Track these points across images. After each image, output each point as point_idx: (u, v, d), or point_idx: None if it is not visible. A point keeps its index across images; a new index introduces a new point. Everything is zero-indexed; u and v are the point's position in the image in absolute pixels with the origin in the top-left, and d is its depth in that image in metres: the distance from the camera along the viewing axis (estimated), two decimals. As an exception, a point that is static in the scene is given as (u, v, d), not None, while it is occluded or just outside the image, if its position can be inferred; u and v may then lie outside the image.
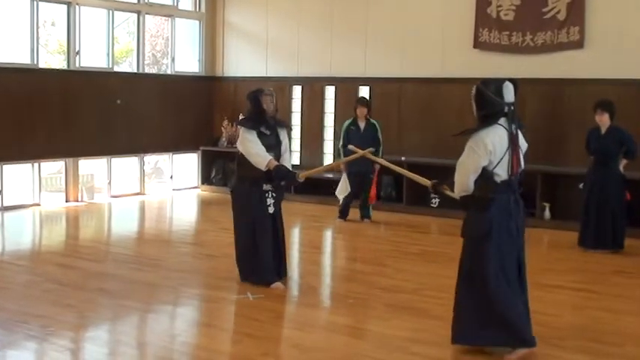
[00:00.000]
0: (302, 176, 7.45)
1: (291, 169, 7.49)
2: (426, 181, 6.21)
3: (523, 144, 5.66)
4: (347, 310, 6.73)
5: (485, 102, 5.53)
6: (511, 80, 5.61)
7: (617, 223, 9.32)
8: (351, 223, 11.23)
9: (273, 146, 7.39)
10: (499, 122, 5.45)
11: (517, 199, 5.59)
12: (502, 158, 5.41)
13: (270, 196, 7.39)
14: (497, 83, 5.57)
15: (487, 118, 5.50)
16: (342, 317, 6.54)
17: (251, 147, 7.24)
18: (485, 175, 5.42)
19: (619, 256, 9.23)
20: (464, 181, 5.47)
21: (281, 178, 7.31)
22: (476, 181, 5.46)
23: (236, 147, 7.50)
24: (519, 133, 5.58)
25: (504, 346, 5.57)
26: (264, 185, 7.35)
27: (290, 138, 8.88)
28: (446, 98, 12.34)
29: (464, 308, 5.62)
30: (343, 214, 11.33)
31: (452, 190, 5.75)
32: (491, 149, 5.37)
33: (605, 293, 7.63)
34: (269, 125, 7.41)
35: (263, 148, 7.24)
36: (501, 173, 5.44)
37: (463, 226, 5.63)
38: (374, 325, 6.37)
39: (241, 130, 7.39)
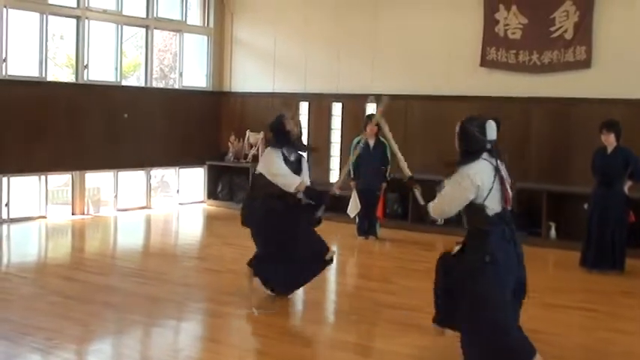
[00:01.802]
0: (337, 188, 7.54)
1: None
2: (407, 173, 6.46)
3: (507, 177, 5.74)
4: (352, 327, 6.72)
5: (468, 138, 5.71)
6: (494, 119, 5.85)
7: (618, 244, 9.30)
8: (357, 240, 11.23)
9: (296, 172, 7.38)
10: (482, 157, 5.62)
11: (512, 230, 5.61)
12: (490, 191, 5.51)
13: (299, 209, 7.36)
14: (481, 121, 5.78)
15: (469, 154, 5.67)
16: (346, 334, 6.53)
17: (281, 167, 7.22)
18: (477, 209, 5.52)
19: (625, 276, 9.19)
20: (446, 210, 5.69)
21: (313, 198, 7.31)
22: (470, 216, 5.60)
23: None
24: (503, 166, 5.71)
25: None
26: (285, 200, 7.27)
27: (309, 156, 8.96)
28: (452, 116, 12.12)
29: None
30: (362, 231, 11.33)
31: (423, 197, 6.06)
32: (478, 183, 5.49)
33: (611, 314, 7.61)
34: (294, 149, 7.43)
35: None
36: (493, 206, 5.51)
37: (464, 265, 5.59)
38: (378, 342, 6.36)
39: (270, 151, 7.40)
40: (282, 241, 7.25)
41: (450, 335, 6.48)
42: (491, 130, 5.75)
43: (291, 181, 7.15)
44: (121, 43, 13.34)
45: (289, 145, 7.37)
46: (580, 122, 11.24)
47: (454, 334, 5.71)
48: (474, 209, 5.52)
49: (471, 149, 5.68)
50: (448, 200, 5.64)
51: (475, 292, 5.48)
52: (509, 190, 5.63)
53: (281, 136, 7.37)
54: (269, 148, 7.42)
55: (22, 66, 12.11)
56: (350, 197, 11.19)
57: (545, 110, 11.65)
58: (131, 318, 6.88)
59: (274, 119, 7.44)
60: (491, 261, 5.43)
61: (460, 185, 5.56)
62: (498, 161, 5.67)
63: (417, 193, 6.14)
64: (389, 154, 11.12)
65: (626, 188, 9.35)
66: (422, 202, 5.93)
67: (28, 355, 5.82)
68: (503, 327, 5.46)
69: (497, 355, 5.46)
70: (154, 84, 14.33)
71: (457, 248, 5.74)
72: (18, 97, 11.80)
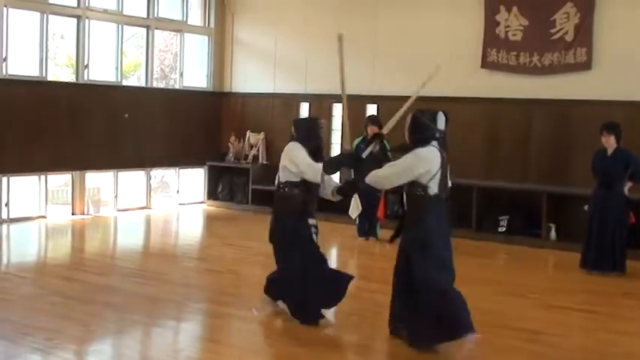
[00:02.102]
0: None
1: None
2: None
3: (448, 169, 6.43)
4: (351, 328, 6.71)
5: (420, 127, 6.25)
6: (443, 112, 6.44)
7: (618, 246, 9.30)
8: (357, 241, 11.23)
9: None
10: (432, 144, 6.21)
11: (446, 217, 6.36)
12: (435, 175, 6.13)
13: (315, 231, 6.94)
14: (432, 112, 6.36)
15: (421, 141, 6.22)
16: (347, 334, 6.53)
17: (307, 157, 6.74)
18: (422, 188, 6.14)
19: (625, 278, 9.19)
20: (391, 180, 6.31)
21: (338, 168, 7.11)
22: (411, 196, 6.25)
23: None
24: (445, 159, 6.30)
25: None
26: (310, 220, 6.89)
27: None
28: (453, 117, 12.21)
29: (415, 312, 6.08)
30: (362, 232, 11.33)
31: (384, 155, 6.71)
32: (427, 166, 6.11)
33: (611, 315, 7.61)
34: (312, 155, 6.99)
35: None
36: (434, 188, 6.14)
37: (407, 238, 6.29)
38: (379, 343, 6.35)
39: (294, 145, 6.90)
40: (307, 261, 6.86)
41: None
42: (441, 121, 6.32)
43: (317, 168, 6.64)
44: (122, 43, 13.33)
45: (313, 148, 6.94)
46: (580, 124, 11.23)
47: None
48: (419, 187, 6.14)
49: (422, 137, 6.22)
50: (397, 171, 6.20)
51: (416, 270, 6.06)
52: (448, 180, 6.37)
53: (311, 137, 6.98)
54: (293, 142, 6.91)
55: (22, 65, 12.11)
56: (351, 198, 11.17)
57: (545, 112, 11.65)
58: (131, 318, 6.88)
59: (309, 119, 7.28)
60: (429, 242, 6.10)
61: (411, 161, 6.15)
62: (444, 152, 6.26)
63: (376, 147, 6.70)
64: (389, 155, 11.09)
65: (626, 190, 9.36)
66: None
67: (28, 355, 5.82)
68: (448, 298, 6.04)
69: (442, 328, 5.94)
70: (155, 84, 14.32)
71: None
72: (18, 96, 11.79)
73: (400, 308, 6.23)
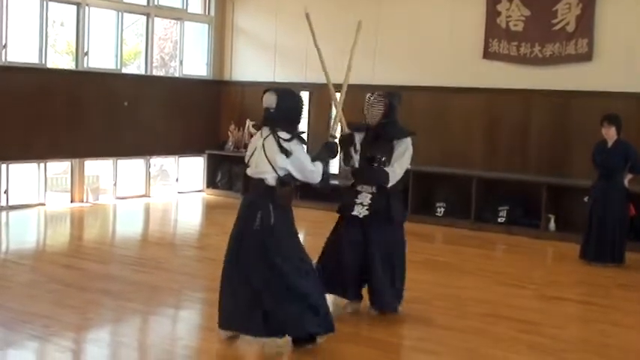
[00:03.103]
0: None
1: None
2: (343, 129, 6.77)
3: None
4: (350, 318, 6.70)
5: (394, 110, 6.71)
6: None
7: (618, 237, 9.30)
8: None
9: None
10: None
11: None
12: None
13: None
14: (399, 95, 6.90)
15: (394, 125, 6.66)
16: (345, 325, 6.50)
17: (309, 161, 5.87)
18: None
19: (624, 269, 9.20)
20: (401, 175, 6.59)
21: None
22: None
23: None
24: None
25: None
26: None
27: None
28: (454, 108, 12.34)
29: (383, 284, 6.60)
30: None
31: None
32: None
33: (609, 307, 7.62)
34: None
35: None
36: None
37: (390, 214, 6.57)
38: (378, 333, 6.34)
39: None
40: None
41: (447, 326, 6.50)
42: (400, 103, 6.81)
43: (320, 171, 5.96)
44: (122, 30, 13.28)
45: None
46: (581, 115, 11.22)
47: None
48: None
49: (395, 119, 6.67)
50: (405, 164, 6.60)
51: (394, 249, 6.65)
52: None
53: (297, 121, 6.10)
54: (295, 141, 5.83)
55: (22, 52, 12.07)
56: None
57: (546, 103, 11.63)
58: (129, 306, 6.88)
59: (297, 97, 6.22)
60: (404, 219, 6.78)
61: (410, 150, 6.61)
62: None
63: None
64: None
65: (626, 182, 9.35)
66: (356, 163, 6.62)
67: (26, 342, 5.82)
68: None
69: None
70: (155, 72, 14.29)
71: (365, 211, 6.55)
72: (18, 83, 11.76)
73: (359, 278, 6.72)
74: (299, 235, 6.07)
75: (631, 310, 7.54)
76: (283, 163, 5.69)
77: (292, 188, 5.90)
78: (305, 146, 5.87)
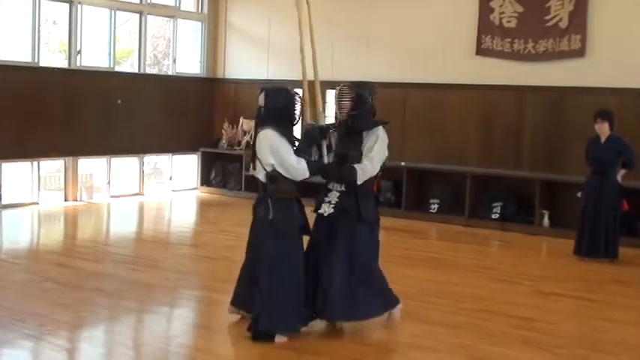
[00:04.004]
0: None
1: None
2: (319, 117, 6.39)
3: None
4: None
5: (364, 103, 6.19)
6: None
7: (612, 233, 9.32)
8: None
9: None
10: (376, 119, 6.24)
11: None
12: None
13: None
14: (370, 85, 6.36)
15: (365, 117, 6.19)
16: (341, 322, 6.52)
17: (292, 157, 5.93)
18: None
19: (618, 265, 9.22)
20: (375, 170, 6.15)
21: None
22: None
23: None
24: None
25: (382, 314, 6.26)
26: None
27: None
28: (448, 104, 12.35)
29: (345, 286, 6.04)
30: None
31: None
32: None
33: (603, 302, 7.64)
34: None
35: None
36: (384, 164, 6.22)
37: (359, 213, 6.09)
38: (373, 331, 6.34)
39: (273, 138, 5.96)
40: None
41: (442, 322, 6.50)
42: (374, 94, 6.32)
43: (303, 167, 5.99)
44: (115, 28, 13.26)
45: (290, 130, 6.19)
46: (574, 111, 11.24)
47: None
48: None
49: (366, 112, 6.19)
50: (378, 159, 6.12)
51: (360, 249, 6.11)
52: None
53: (289, 119, 6.17)
54: (270, 131, 5.97)
55: (14, 51, 12.04)
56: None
57: (539, 99, 11.64)
58: (124, 305, 6.86)
59: (288, 93, 6.29)
60: (377, 220, 6.27)
61: (383, 143, 6.15)
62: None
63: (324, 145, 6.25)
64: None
65: (619, 177, 9.37)
66: (326, 160, 6.19)
67: (20, 341, 5.80)
68: (378, 274, 6.26)
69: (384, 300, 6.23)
70: (148, 70, 14.26)
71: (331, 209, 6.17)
72: (10, 82, 11.73)
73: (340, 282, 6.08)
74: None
75: (625, 305, 7.56)
76: (269, 160, 5.84)
77: (289, 184, 5.92)
78: (289, 143, 5.93)
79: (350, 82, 6.35)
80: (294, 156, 5.88)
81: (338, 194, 6.18)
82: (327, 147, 6.22)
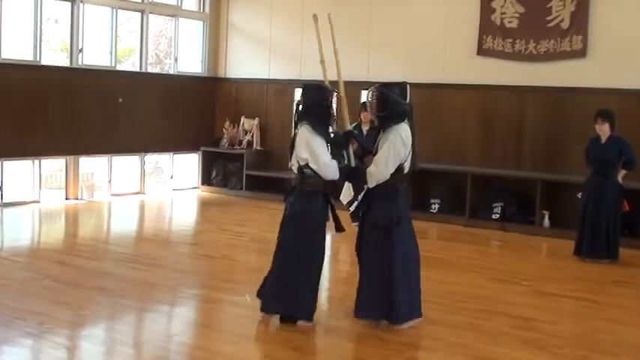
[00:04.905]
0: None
1: None
2: (345, 122, 6.54)
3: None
4: (345, 314, 6.71)
5: (390, 103, 6.14)
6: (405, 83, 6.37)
7: (612, 234, 9.32)
8: (350, 226, 11.21)
9: None
10: (405, 121, 6.18)
11: (409, 190, 6.38)
12: (409, 152, 6.14)
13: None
14: (401, 85, 6.28)
15: (392, 118, 6.14)
16: (340, 320, 6.53)
17: (326, 155, 6.18)
18: (398, 168, 6.13)
19: (618, 266, 9.22)
20: (384, 172, 6.10)
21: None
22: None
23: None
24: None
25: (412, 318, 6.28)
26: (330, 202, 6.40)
27: None
28: (449, 104, 12.35)
29: (369, 288, 6.21)
30: (356, 217, 11.29)
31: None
32: (408, 147, 6.10)
33: (604, 303, 7.63)
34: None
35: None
36: (406, 166, 6.17)
37: (370, 216, 6.21)
38: (372, 329, 6.35)
39: (310, 136, 6.21)
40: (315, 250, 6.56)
41: (442, 322, 6.51)
42: (408, 93, 6.26)
43: (335, 167, 6.26)
44: (116, 27, 13.27)
45: (327, 130, 6.40)
46: (575, 111, 11.24)
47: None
48: (396, 169, 6.12)
49: (393, 113, 6.13)
50: (385, 162, 6.07)
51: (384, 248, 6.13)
52: (416, 153, 6.26)
53: (323, 117, 6.38)
54: (308, 129, 6.24)
55: (16, 50, 12.05)
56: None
57: (540, 99, 11.64)
58: (124, 303, 6.87)
59: (320, 90, 6.49)
60: (398, 221, 6.12)
61: (395, 145, 6.06)
62: (412, 124, 6.22)
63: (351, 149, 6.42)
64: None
65: (619, 177, 9.36)
66: (353, 163, 6.37)
67: (21, 339, 5.81)
68: (399, 280, 6.15)
69: (387, 303, 6.15)
70: (149, 69, 14.26)
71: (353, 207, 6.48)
72: (12, 80, 11.75)
73: (373, 286, 6.25)
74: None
75: (625, 306, 7.56)
76: (304, 154, 6.09)
77: (319, 180, 6.13)
78: (326, 142, 6.15)
79: (379, 83, 6.41)
80: (329, 155, 6.11)
81: (364, 194, 6.39)
82: (354, 151, 6.44)
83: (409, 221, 6.38)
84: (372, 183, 6.18)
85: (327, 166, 6.09)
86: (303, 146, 6.12)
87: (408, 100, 6.24)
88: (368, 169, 6.18)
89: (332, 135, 6.35)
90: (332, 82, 6.65)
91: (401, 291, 6.17)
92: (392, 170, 6.12)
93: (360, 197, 6.35)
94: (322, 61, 6.80)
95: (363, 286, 6.30)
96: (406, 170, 6.22)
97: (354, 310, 6.33)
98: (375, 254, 6.21)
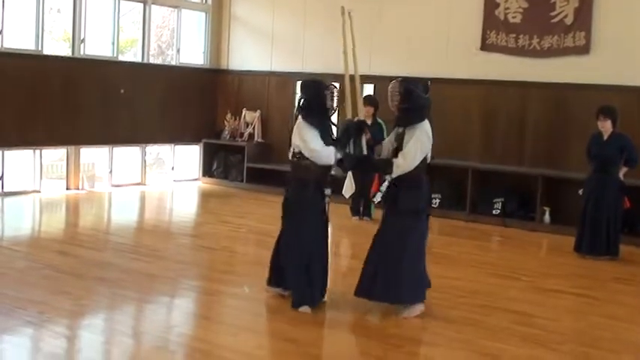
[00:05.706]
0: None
1: None
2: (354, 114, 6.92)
3: None
4: (346, 307, 6.71)
5: (415, 98, 6.43)
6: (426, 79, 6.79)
7: (613, 231, 9.31)
8: (351, 220, 11.23)
9: None
10: (427, 116, 6.50)
11: (428, 182, 6.69)
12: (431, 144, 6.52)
13: (328, 201, 6.75)
14: (424, 82, 6.65)
15: (412, 111, 6.42)
16: (340, 314, 6.54)
17: (316, 142, 6.48)
18: (422, 160, 6.47)
19: (619, 263, 9.22)
20: (411, 165, 6.38)
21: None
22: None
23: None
24: None
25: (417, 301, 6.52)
26: (325, 190, 6.67)
27: None
28: (451, 99, 12.31)
29: (368, 271, 6.55)
30: (356, 212, 11.32)
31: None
32: (430, 138, 6.46)
33: (604, 300, 7.63)
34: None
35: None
36: (428, 157, 6.55)
37: (396, 202, 6.43)
38: (372, 322, 6.36)
39: (302, 126, 6.56)
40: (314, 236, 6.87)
41: (442, 317, 6.51)
42: (428, 90, 6.61)
43: (327, 154, 6.56)
44: (119, 17, 13.25)
45: (322, 120, 6.72)
46: (577, 108, 11.22)
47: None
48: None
49: (417, 107, 6.43)
50: (413, 155, 6.35)
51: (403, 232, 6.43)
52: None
53: (317, 109, 6.68)
54: (302, 120, 6.61)
55: (18, 39, 12.03)
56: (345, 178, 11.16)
57: (543, 95, 11.63)
58: (124, 294, 6.88)
59: (316, 85, 6.81)
60: (424, 209, 6.53)
61: (423, 141, 6.40)
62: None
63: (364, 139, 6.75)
64: (385, 136, 11.05)
65: (621, 174, 9.35)
66: (365, 152, 6.71)
67: (21, 328, 5.82)
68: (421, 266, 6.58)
69: (411, 291, 6.48)
70: (151, 60, 14.24)
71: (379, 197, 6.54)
72: (14, 70, 11.73)
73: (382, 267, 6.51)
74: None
75: (625, 303, 7.56)
76: (297, 141, 6.48)
77: (315, 167, 6.42)
78: (317, 131, 6.45)
79: (402, 78, 6.64)
80: (320, 142, 6.41)
81: (388, 185, 6.52)
82: (366, 140, 6.71)
83: (427, 212, 6.71)
84: (396, 173, 6.40)
85: (315, 152, 6.41)
86: (296, 134, 6.53)
87: (428, 96, 6.59)
88: (395, 160, 6.39)
89: (334, 125, 6.75)
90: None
91: (410, 272, 6.46)
92: (418, 163, 6.41)
93: (383, 188, 6.49)
94: (345, 52, 7.19)
95: (370, 265, 6.59)
96: (426, 162, 6.56)
97: (357, 289, 6.60)
98: (394, 237, 6.46)
